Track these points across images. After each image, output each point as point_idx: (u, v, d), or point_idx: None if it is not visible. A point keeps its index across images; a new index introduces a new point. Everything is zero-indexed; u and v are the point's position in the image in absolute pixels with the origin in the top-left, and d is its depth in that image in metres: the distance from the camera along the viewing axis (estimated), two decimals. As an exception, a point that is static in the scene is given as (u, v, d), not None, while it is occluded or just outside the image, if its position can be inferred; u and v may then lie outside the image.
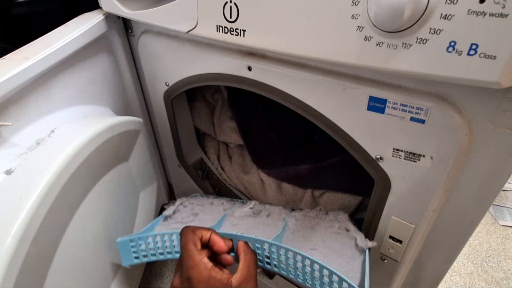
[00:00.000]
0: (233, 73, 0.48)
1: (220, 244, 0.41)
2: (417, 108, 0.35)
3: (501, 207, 1.40)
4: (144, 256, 0.51)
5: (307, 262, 0.40)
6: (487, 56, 0.26)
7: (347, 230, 0.48)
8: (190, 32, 0.44)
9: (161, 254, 0.50)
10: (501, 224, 1.33)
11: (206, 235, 0.42)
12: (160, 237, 0.49)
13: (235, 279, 0.37)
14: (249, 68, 0.46)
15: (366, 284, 0.38)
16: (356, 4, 0.30)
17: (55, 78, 0.48)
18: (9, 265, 0.34)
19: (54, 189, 0.39)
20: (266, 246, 0.43)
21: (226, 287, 0.37)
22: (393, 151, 0.40)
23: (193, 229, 0.42)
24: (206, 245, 0.42)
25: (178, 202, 0.62)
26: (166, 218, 0.58)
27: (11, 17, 0.52)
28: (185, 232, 0.41)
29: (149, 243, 0.50)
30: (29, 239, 0.36)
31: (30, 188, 0.37)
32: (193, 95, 0.75)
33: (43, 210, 0.38)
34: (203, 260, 0.38)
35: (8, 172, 0.39)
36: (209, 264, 0.38)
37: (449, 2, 0.26)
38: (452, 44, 0.27)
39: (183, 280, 0.38)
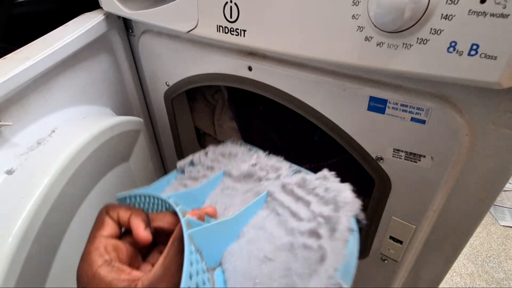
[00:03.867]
0: (234, 73, 0.48)
1: (138, 231, 0.31)
2: (418, 109, 0.35)
3: (501, 208, 1.40)
4: None
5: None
6: (488, 57, 0.26)
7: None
8: (190, 32, 0.44)
9: None
10: (502, 224, 1.33)
11: (124, 215, 0.32)
12: (153, 199, 0.42)
13: (144, 280, 0.27)
14: (250, 68, 0.46)
15: None
16: (357, 4, 0.30)
17: (56, 78, 0.48)
18: (11, 265, 0.34)
19: (55, 189, 0.39)
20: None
21: None
22: (394, 152, 0.40)
23: (109, 208, 0.33)
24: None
25: (205, 150, 0.52)
26: (182, 170, 0.50)
27: (11, 17, 0.52)
28: (98, 215, 0.32)
29: (144, 203, 0.43)
30: (30, 239, 0.36)
31: (31, 188, 0.37)
32: (194, 95, 0.75)
33: (44, 210, 0.38)
34: (100, 270, 0.28)
35: (9, 172, 0.39)
36: (110, 274, 0.27)
37: (450, 2, 0.26)
38: (453, 44, 0.27)
39: None
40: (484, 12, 0.25)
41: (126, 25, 0.59)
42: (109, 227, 0.31)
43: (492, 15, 0.25)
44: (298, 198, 0.36)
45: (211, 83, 0.52)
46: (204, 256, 0.31)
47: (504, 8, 0.24)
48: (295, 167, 0.42)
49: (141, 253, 0.34)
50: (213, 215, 0.36)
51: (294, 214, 0.34)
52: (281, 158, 0.44)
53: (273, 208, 0.36)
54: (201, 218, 0.34)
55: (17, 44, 0.47)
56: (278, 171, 0.41)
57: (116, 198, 0.44)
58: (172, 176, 0.50)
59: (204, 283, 0.28)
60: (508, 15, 0.25)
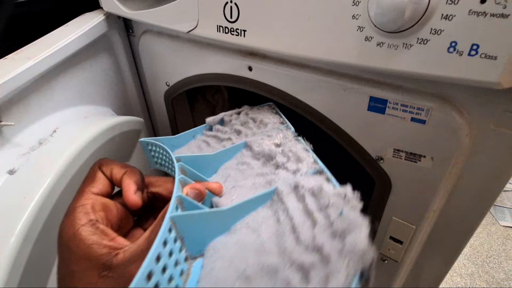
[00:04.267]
0: (234, 73, 0.48)
1: (127, 194, 0.28)
2: (418, 109, 0.35)
3: (502, 208, 1.40)
4: (160, 164, 0.43)
5: None
6: (488, 57, 0.26)
7: None
8: (190, 32, 0.44)
9: (172, 171, 0.41)
10: (502, 224, 1.32)
11: (118, 173, 0.29)
12: (169, 154, 0.40)
13: (126, 251, 0.24)
14: (250, 68, 0.46)
15: None
16: (357, 4, 0.30)
17: (57, 78, 0.49)
18: (13, 265, 0.34)
19: (57, 188, 0.39)
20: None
21: (107, 261, 0.24)
22: (394, 152, 0.40)
23: (103, 163, 0.30)
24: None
25: (239, 109, 0.50)
26: (210, 127, 0.48)
27: (11, 17, 0.52)
28: (90, 169, 0.29)
29: (163, 155, 0.41)
30: (33, 238, 0.36)
31: (33, 188, 0.37)
32: (194, 95, 0.75)
33: (46, 209, 0.38)
34: (82, 230, 0.25)
35: (11, 172, 0.40)
36: (92, 236, 0.25)
37: (450, 2, 0.26)
38: (453, 44, 0.27)
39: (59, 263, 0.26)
40: (484, 12, 0.25)
41: (127, 25, 0.59)
42: (100, 184, 0.28)
43: (492, 15, 0.25)
44: (307, 211, 0.30)
45: (211, 83, 0.52)
46: (187, 243, 0.28)
47: (504, 8, 0.24)
48: (319, 164, 0.35)
49: (137, 216, 0.31)
50: (217, 192, 0.33)
51: (294, 230, 0.28)
52: (309, 145, 0.39)
53: (276, 210, 0.31)
54: (201, 194, 0.30)
55: (18, 44, 0.47)
56: (299, 164, 0.35)
57: (140, 141, 0.43)
58: (199, 130, 0.48)
59: (170, 280, 0.25)
60: (508, 15, 0.25)
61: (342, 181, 0.35)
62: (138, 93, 0.67)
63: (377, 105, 0.38)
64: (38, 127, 0.45)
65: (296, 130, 0.43)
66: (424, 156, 0.38)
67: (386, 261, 0.51)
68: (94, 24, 0.52)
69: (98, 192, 0.28)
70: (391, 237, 0.48)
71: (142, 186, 0.30)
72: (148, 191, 0.31)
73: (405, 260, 0.49)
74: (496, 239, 1.27)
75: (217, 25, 0.41)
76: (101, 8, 0.55)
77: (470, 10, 0.26)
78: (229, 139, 0.44)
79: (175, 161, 0.35)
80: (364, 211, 0.30)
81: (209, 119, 0.48)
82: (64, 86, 0.50)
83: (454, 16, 0.27)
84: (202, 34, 0.44)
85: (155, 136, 0.76)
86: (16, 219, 0.35)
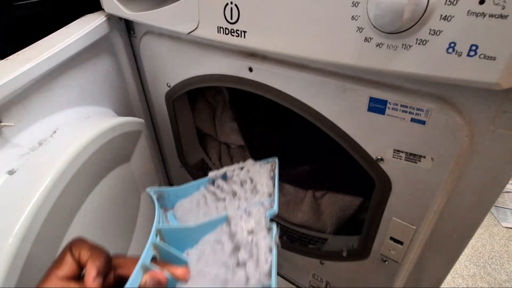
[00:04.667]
0: (234, 74, 0.48)
1: (87, 279, 0.29)
2: (418, 109, 0.35)
3: (504, 209, 1.39)
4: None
5: None
6: (487, 57, 0.26)
7: None
8: (191, 34, 0.45)
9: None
10: (504, 226, 1.32)
11: (84, 256, 0.30)
12: (160, 216, 0.41)
13: None
14: (250, 69, 0.46)
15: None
16: (356, 5, 0.31)
17: (58, 79, 0.49)
18: (11, 265, 0.34)
19: (56, 189, 0.39)
20: None
21: None
22: (394, 152, 0.40)
23: (74, 245, 0.31)
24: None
25: (243, 163, 0.49)
26: (213, 180, 0.49)
27: (12, 19, 0.53)
28: (62, 250, 0.31)
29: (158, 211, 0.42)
30: (31, 239, 0.36)
31: (32, 188, 0.37)
32: (195, 96, 0.75)
33: (45, 210, 0.38)
34: None
35: (11, 173, 0.40)
36: None
37: (449, 3, 0.26)
38: (452, 45, 0.27)
39: None
40: (483, 13, 0.25)
41: (128, 26, 0.59)
42: (67, 267, 0.29)
43: (491, 16, 0.25)
44: None
45: (212, 84, 0.52)
46: None
47: (503, 9, 0.24)
48: (271, 277, 0.33)
49: None
50: (181, 279, 0.34)
51: None
52: (277, 240, 0.37)
53: None
54: (160, 283, 0.31)
55: (20, 46, 0.47)
56: (255, 269, 0.34)
57: (146, 190, 0.45)
58: (202, 182, 0.49)
59: None
60: (507, 16, 0.25)
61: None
62: (139, 94, 0.67)
63: (377, 106, 0.38)
64: (38, 127, 0.46)
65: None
66: (424, 157, 0.38)
67: (386, 262, 0.51)
68: (95, 26, 0.52)
69: (64, 276, 0.29)
70: (391, 238, 0.47)
71: (104, 270, 0.30)
72: (116, 273, 0.32)
73: (406, 261, 0.49)
74: (498, 240, 1.27)
75: (218, 26, 0.41)
76: (103, 9, 0.55)
77: (469, 10, 0.26)
78: (224, 199, 0.46)
79: (152, 235, 0.36)
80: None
81: (211, 174, 0.49)
82: (65, 86, 0.50)
83: (453, 17, 0.27)
84: (203, 35, 0.44)
85: (156, 137, 0.77)
86: (14, 220, 0.35)
